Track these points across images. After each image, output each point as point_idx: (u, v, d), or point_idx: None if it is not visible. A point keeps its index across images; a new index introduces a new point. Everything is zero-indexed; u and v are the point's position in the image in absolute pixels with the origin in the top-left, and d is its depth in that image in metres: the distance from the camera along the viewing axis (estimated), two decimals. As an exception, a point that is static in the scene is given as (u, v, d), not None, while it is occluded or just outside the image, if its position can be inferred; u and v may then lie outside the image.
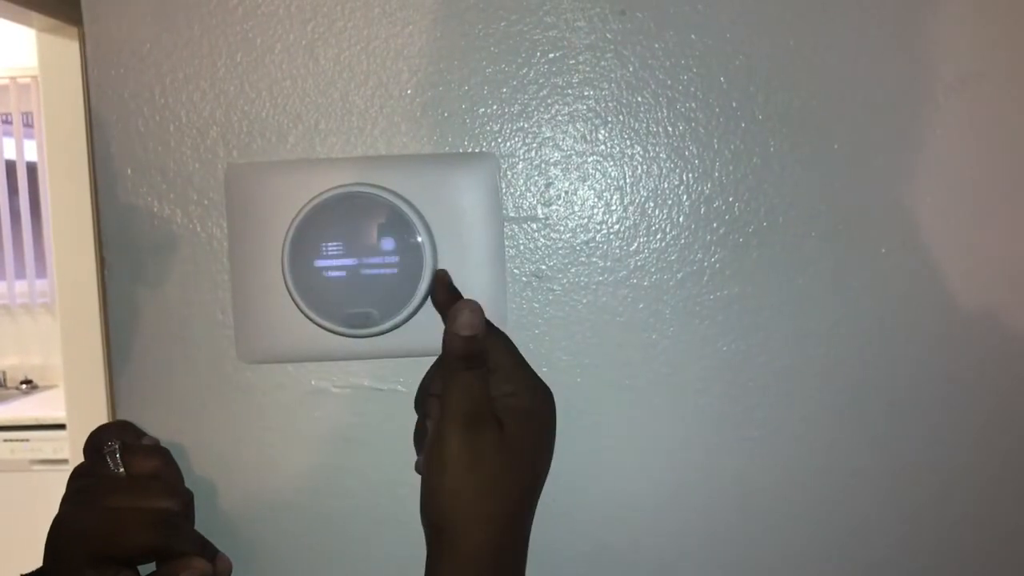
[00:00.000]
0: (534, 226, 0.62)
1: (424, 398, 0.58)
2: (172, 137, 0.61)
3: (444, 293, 0.59)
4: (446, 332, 0.55)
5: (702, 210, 0.61)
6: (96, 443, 0.60)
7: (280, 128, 0.61)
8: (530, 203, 0.62)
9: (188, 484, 0.62)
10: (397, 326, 0.58)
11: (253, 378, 0.63)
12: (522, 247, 0.62)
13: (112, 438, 0.60)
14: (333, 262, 0.58)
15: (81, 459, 0.61)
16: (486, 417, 0.54)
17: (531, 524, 0.56)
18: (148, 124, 0.61)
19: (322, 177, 0.60)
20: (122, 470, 0.58)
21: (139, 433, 0.62)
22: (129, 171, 0.62)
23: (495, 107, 0.61)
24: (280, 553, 0.64)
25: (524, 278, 0.62)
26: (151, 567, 0.57)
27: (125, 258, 0.62)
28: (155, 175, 0.62)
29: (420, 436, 0.59)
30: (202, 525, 0.62)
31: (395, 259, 0.58)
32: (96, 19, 0.61)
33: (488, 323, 0.57)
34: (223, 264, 0.62)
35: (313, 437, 0.63)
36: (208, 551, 0.59)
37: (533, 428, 0.56)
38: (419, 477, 0.55)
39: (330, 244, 0.58)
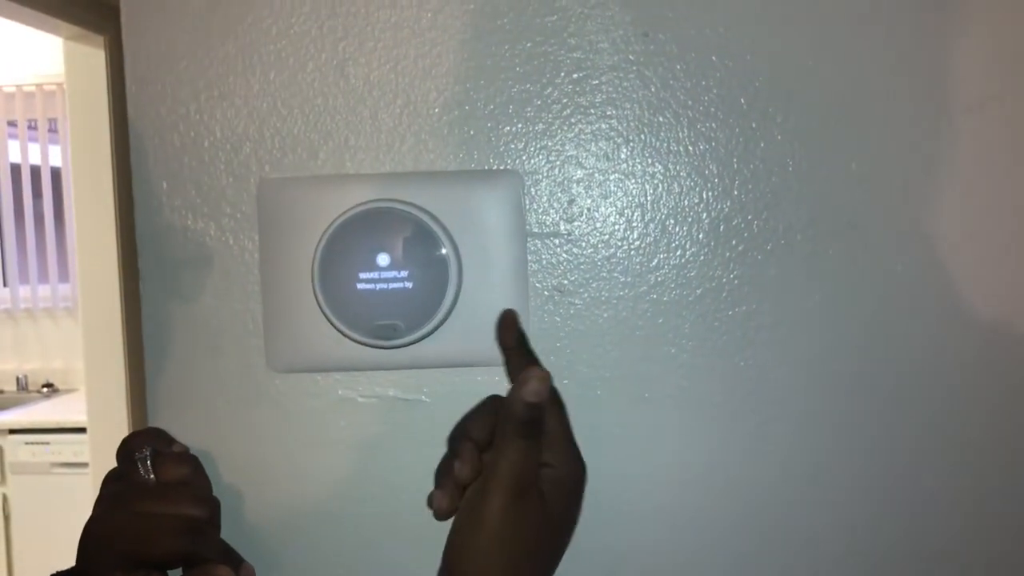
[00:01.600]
0: (557, 242, 0.63)
1: (460, 437, 0.57)
2: (206, 152, 0.63)
3: (510, 336, 0.59)
4: (511, 394, 0.54)
5: (721, 227, 0.62)
6: (128, 449, 0.61)
7: (311, 144, 0.63)
8: (553, 219, 0.63)
9: (217, 491, 0.64)
10: (422, 338, 0.60)
11: (282, 387, 0.64)
12: (545, 262, 0.63)
13: (144, 445, 0.61)
14: (361, 275, 0.60)
15: (101, 463, 0.63)
16: (532, 488, 0.54)
17: None
18: (184, 139, 0.63)
19: (351, 192, 0.61)
20: (152, 476, 0.60)
21: (170, 440, 0.64)
22: (164, 184, 0.63)
23: (520, 126, 0.63)
24: (305, 561, 0.65)
25: (546, 292, 0.63)
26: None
27: (159, 269, 0.64)
28: (190, 189, 0.63)
29: (443, 470, 0.58)
30: (229, 531, 0.63)
31: (421, 273, 0.60)
32: (135, 36, 0.63)
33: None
34: (254, 276, 0.63)
35: (339, 445, 0.64)
36: (232, 559, 0.60)
37: (571, 502, 0.56)
38: None
39: (358, 258, 0.60)
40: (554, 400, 0.57)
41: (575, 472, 0.57)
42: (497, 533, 0.53)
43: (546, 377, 0.54)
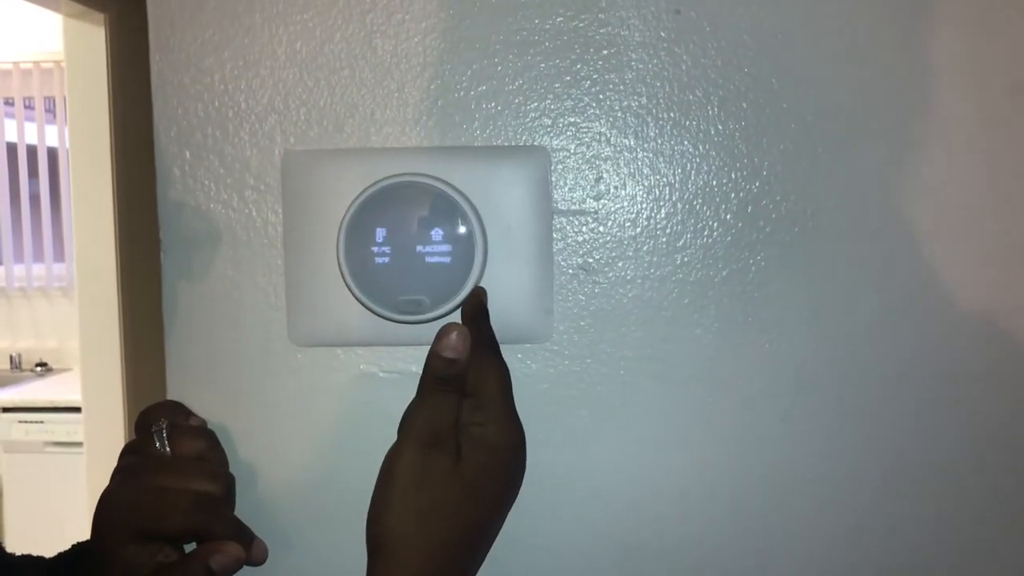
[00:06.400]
0: (583, 219, 0.63)
1: None
2: (231, 123, 0.63)
3: (469, 308, 0.59)
4: (431, 348, 0.56)
5: (749, 208, 0.62)
6: (145, 422, 0.61)
7: (337, 117, 0.62)
8: (579, 197, 0.63)
9: (234, 465, 0.63)
10: (447, 314, 0.59)
11: (303, 361, 0.64)
12: (570, 240, 0.63)
13: (161, 417, 0.61)
14: (386, 249, 0.59)
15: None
16: (445, 441, 0.54)
17: (480, 561, 0.56)
18: (207, 109, 0.62)
19: (377, 166, 0.61)
20: (168, 450, 0.59)
21: (187, 413, 0.64)
22: (187, 155, 0.63)
23: (548, 101, 0.62)
24: (321, 538, 0.65)
25: (571, 270, 0.63)
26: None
27: (180, 240, 0.63)
28: (213, 160, 0.63)
29: None
30: (245, 507, 0.63)
31: (446, 248, 0.59)
32: (159, 4, 0.62)
33: (489, 349, 0.58)
34: (277, 249, 0.63)
35: (359, 420, 0.64)
36: (245, 536, 0.59)
37: (493, 462, 0.56)
38: None
39: (384, 232, 0.59)
40: (490, 361, 0.57)
41: (504, 434, 0.56)
42: (405, 485, 0.54)
43: (464, 333, 0.55)
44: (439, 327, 0.59)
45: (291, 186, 0.62)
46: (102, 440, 2.53)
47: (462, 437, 0.55)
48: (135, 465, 0.59)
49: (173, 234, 0.63)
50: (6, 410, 3.30)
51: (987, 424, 0.63)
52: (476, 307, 0.59)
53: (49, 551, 0.65)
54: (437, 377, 0.55)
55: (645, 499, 0.64)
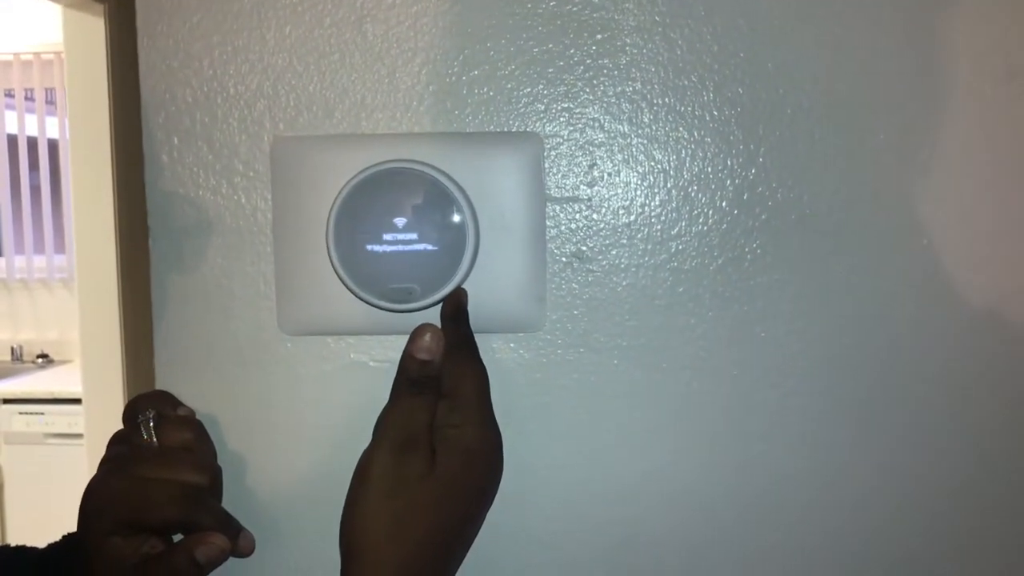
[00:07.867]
0: (576, 207, 0.62)
1: None
2: (219, 108, 0.62)
3: (448, 308, 0.58)
4: (405, 349, 0.55)
5: (745, 196, 0.61)
6: (133, 411, 0.60)
7: (327, 102, 0.61)
8: (573, 184, 0.62)
9: (222, 456, 0.63)
10: (438, 302, 0.59)
11: (293, 350, 0.63)
12: (563, 227, 0.62)
13: (148, 407, 0.60)
14: (376, 237, 0.58)
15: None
16: (420, 444, 0.54)
17: (457, 565, 0.56)
18: (196, 95, 0.62)
19: (367, 152, 0.60)
20: (155, 440, 0.59)
21: (176, 403, 0.63)
22: (175, 141, 0.62)
23: (541, 87, 0.61)
24: (310, 529, 0.64)
25: (564, 259, 0.62)
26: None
27: (168, 228, 0.63)
28: (201, 146, 0.62)
29: None
30: (234, 497, 0.62)
31: (437, 236, 0.58)
32: (147, -11, 0.61)
33: (467, 350, 0.57)
34: (267, 236, 0.62)
35: (349, 410, 0.63)
36: (231, 527, 0.59)
37: (468, 465, 0.55)
38: None
39: (374, 219, 0.58)
40: (468, 363, 0.57)
41: (481, 437, 0.55)
42: (379, 489, 0.53)
43: (438, 334, 0.55)
44: (430, 315, 0.59)
45: (280, 173, 0.61)
46: (102, 432, 2.52)
47: (437, 439, 0.54)
48: (122, 455, 0.59)
49: (161, 222, 0.63)
50: (7, 401, 3.31)
51: (986, 415, 0.62)
52: (455, 307, 0.59)
53: (48, 543, 0.65)
54: (410, 379, 0.55)
55: (638, 490, 0.63)
